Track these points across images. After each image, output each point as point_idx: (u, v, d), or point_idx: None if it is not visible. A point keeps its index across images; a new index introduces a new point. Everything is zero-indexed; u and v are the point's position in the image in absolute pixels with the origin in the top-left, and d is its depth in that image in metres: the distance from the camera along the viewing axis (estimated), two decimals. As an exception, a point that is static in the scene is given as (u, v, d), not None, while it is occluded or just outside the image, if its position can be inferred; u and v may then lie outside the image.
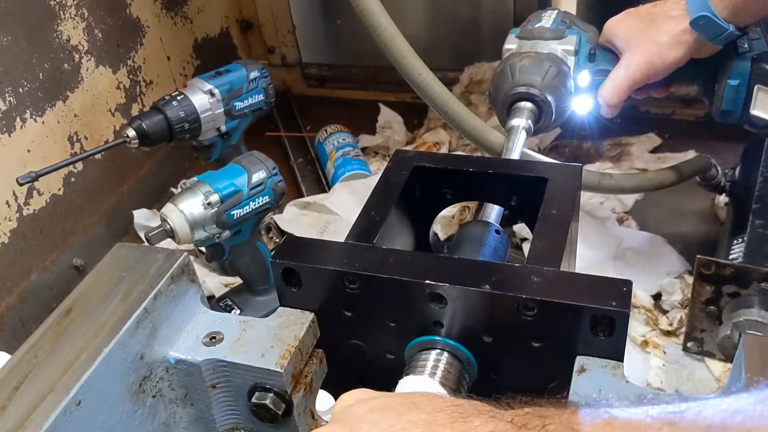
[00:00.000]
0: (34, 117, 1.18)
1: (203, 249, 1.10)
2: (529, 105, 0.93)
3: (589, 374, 0.56)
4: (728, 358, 0.86)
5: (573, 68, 0.96)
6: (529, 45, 0.96)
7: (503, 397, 0.47)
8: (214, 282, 1.24)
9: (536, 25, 0.98)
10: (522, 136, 0.90)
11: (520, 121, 0.91)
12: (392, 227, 0.73)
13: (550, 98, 0.92)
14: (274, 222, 1.33)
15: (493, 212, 0.80)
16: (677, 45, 0.87)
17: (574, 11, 1.46)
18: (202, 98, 1.12)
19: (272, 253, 0.66)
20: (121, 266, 0.63)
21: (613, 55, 0.95)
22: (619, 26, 0.93)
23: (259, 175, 1.01)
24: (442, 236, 1.23)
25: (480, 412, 0.46)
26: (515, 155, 0.88)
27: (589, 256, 1.15)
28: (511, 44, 0.98)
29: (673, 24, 0.87)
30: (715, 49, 0.88)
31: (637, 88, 0.92)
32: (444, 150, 1.47)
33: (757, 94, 0.89)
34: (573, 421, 0.42)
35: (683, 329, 0.99)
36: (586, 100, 0.97)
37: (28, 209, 1.18)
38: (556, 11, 1.00)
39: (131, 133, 1.06)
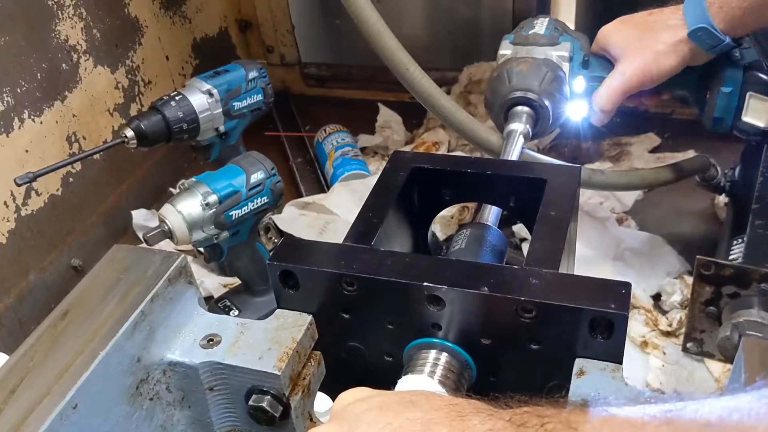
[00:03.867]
0: (32, 117, 1.18)
1: (202, 249, 1.10)
2: (526, 109, 0.93)
3: (588, 377, 0.56)
4: (728, 359, 0.86)
5: (568, 74, 0.96)
6: (525, 51, 0.97)
7: (501, 397, 0.47)
8: (213, 282, 1.24)
9: (530, 32, 0.98)
10: (520, 140, 0.90)
11: (518, 126, 0.92)
12: (390, 229, 0.73)
13: (547, 103, 0.92)
14: (273, 222, 1.32)
15: (492, 214, 0.80)
16: (673, 54, 0.88)
17: (572, 13, 1.46)
18: (200, 98, 1.12)
19: (270, 254, 0.66)
20: (118, 268, 0.62)
21: (606, 62, 0.95)
22: (614, 34, 0.93)
23: (257, 176, 1.00)
24: (441, 236, 1.23)
25: (478, 410, 0.46)
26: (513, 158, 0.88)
27: (588, 257, 1.15)
28: (505, 50, 0.99)
29: (670, 33, 0.88)
30: (709, 58, 0.90)
31: (631, 94, 0.93)
32: (443, 150, 1.47)
33: (749, 101, 0.91)
34: (571, 420, 0.42)
35: (683, 330, 0.99)
36: (580, 106, 0.97)
37: (26, 210, 1.18)
38: (548, 19, 1.01)
39: (129, 133, 1.06)
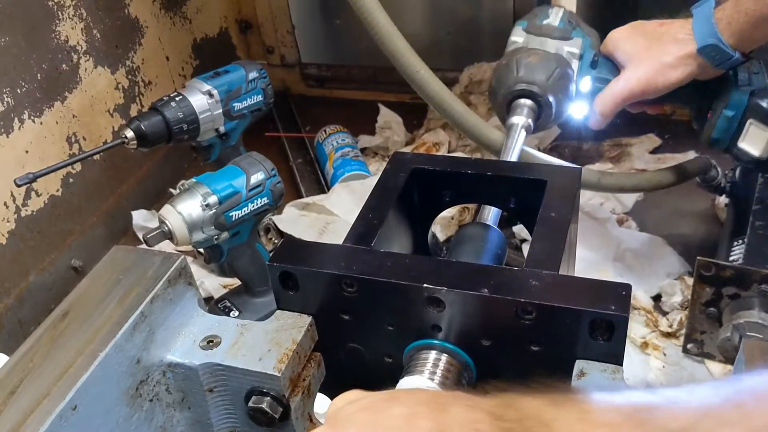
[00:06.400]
0: (32, 118, 1.18)
1: (202, 250, 1.09)
2: (529, 103, 0.92)
3: (588, 378, 0.56)
4: (728, 360, 0.86)
5: (576, 72, 0.95)
6: (538, 42, 0.95)
7: (480, 385, 0.48)
8: (213, 283, 1.24)
9: (544, 22, 0.97)
10: (522, 134, 0.90)
11: (520, 119, 0.91)
12: (390, 230, 0.73)
13: (551, 99, 0.92)
14: (273, 223, 1.32)
15: (491, 214, 0.80)
16: (680, 66, 0.89)
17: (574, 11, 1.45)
18: (200, 99, 1.12)
19: (270, 255, 0.66)
20: (118, 269, 0.62)
21: (613, 65, 0.95)
22: (624, 40, 0.93)
23: (257, 177, 1.00)
24: (441, 237, 1.23)
25: (459, 401, 0.47)
26: (515, 153, 0.88)
27: (588, 258, 1.14)
28: (517, 37, 0.97)
29: (679, 46, 0.88)
30: (718, 73, 0.90)
31: (633, 102, 0.93)
32: (443, 151, 1.47)
33: (748, 127, 0.91)
34: (546, 417, 0.42)
35: (683, 331, 0.99)
36: (582, 106, 0.97)
37: (26, 210, 1.18)
38: (563, 10, 1.00)
39: (129, 133, 1.06)
